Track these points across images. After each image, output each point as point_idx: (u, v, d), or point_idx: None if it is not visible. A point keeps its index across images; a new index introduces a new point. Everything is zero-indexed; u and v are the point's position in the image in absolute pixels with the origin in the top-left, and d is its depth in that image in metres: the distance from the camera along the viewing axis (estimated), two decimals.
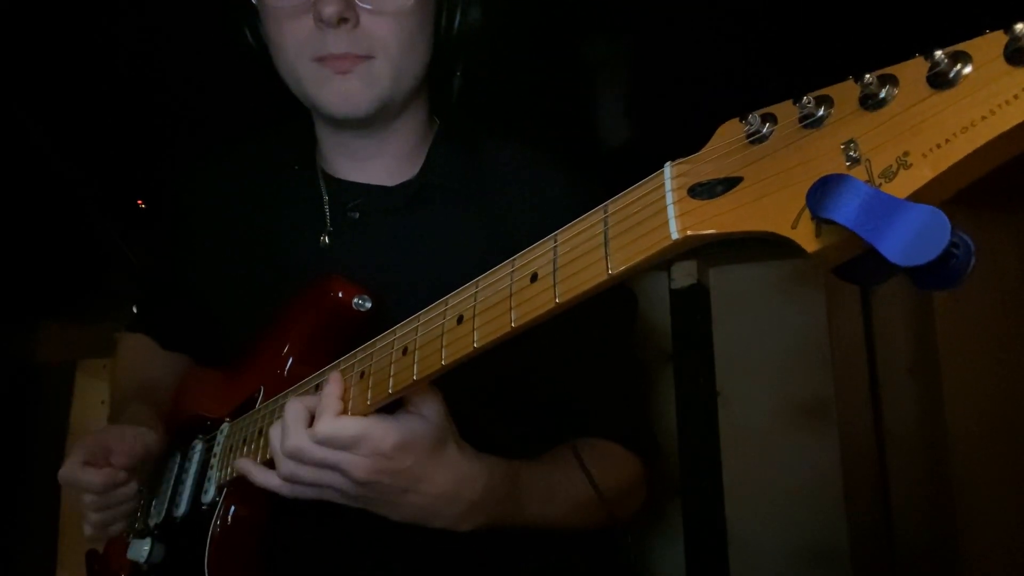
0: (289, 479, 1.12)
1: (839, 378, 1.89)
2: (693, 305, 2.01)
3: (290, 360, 1.37)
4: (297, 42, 1.33)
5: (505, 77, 1.85)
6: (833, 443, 1.85)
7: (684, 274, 2.02)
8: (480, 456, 1.17)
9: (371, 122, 1.41)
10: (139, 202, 2.22)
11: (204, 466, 1.40)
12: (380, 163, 1.48)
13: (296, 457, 1.09)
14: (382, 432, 1.05)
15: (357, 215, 1.46)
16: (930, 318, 1.82)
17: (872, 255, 0.56)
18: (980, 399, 1.76)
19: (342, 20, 1.28)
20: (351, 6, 1.29)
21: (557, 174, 1.50)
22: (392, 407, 1.09)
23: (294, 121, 1.55)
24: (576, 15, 1.79)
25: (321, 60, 1.32)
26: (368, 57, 1.32)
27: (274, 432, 1.12)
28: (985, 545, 1.68)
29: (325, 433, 1.05)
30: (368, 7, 1.30)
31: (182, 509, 1.39)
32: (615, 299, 1.47)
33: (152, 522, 1.45)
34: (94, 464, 1.34)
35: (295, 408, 1.10)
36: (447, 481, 1.12)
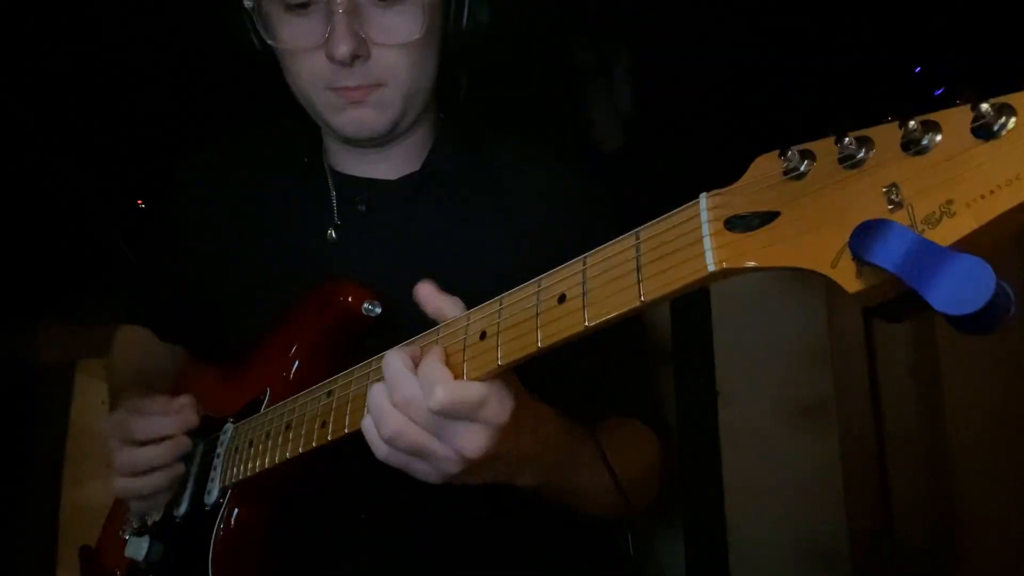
0: (391, 440, 0.99)
1: (839, 378, 1.90)
2: (693, 305, 2.02)
3: (296, 363, 1.37)
4: (311, 72, 1.34)
5: (513, 75, 1.85)
6: (833, 443, 1.86)
7: None
8: (541, 402, 1.10)
9: (383, 139, 1.43)
10: (139, 202, 2.21)
11: (206, 466, 1.39)
12: (388, 160, 1.49)
13: (408, 411, 0.97)
14: (500, 397, 0.96)
15: (364, 208, 1.47)
16: (930, 318, 1.83)
17: (909, 296, 0.56)
18: (980, 399, 1.78)
19: (355, 58, 1.29)
20: (362, 43, 1.29)
21: (562, 167, 1.51)
22: None
23: (300, 116, 1.55)
24: (585, 15, 1.79)
25: (335, 90, 1.34)
26: (379, 85, 1.34)
27: (377, 390, 1.00)
28: (985, 545, 1.70)
29: (449, 398, 0.93)
30: (378, 41, 1.31)
31: (183, 508, 1.39)
32: None
33: (150, 520, 1.44)
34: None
35: (400, 359, 0.99)
36: (529, 434, 1.04)
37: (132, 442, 1.35)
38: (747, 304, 2.00)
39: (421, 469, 1.02)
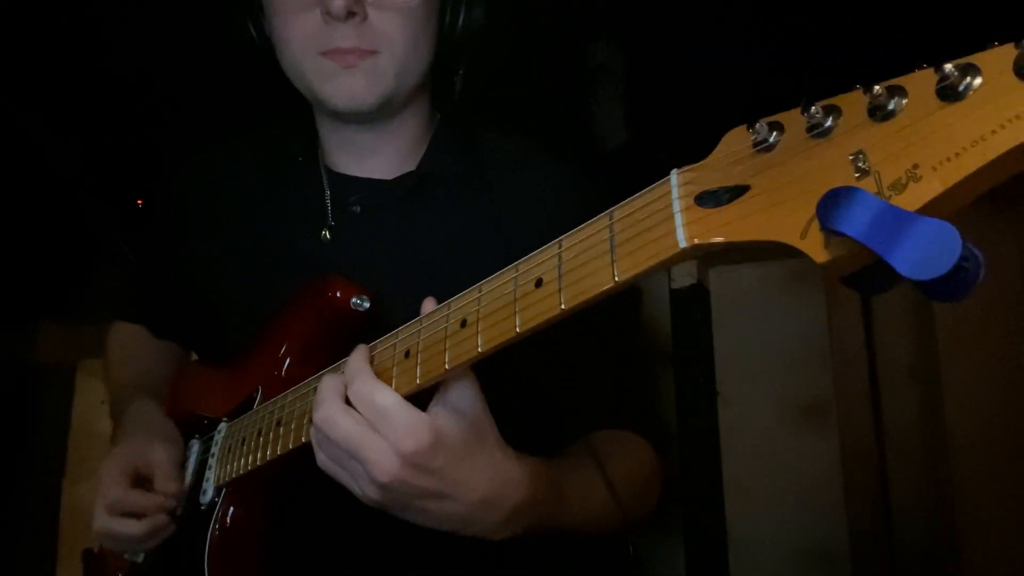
0: (317, 446, 1.05)
1: (839, 378, 1.89)
2: (693, 305, 2.01)
3: (288, 360, 1.37)
4: (303, 36, 1.33)
5: (509, 74, 1.84)
6: (833, 443, 1.85)
7: (684, 274, 2.01)
8: (522, 458, 1.08)
9: (374, 117, 1.41)
10: (139, 202, 2.21)
11: (201, 466, 1.39)
12: (382, 157, 1.48)
13: (324, 426, 1.01)
14: (407, 425, 0.96)
15: (358, 209, 1.46)
16: (930, 318, 1.83)
17: (881, 266, 0.56)
18: (980, 399, 1.77)
19: (350, 14, 1.28)
20: (359, 2, 1.28)
21: (558, 166, 1.50)
22: (424, 400, 1.02)
23: (295, 115, 1.55)
24: (580, 15, 1.79)
25: (327, 54, 1.32)
26: (373, 52, 1.32)
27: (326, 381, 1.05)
28: (985, 545, 1.69)
29: (358, 389, 0.99)
30: (375, 1, 1.30)
31: (179, 509, 1.39)
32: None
33: None
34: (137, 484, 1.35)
35: (332, 382, 1.03)
36: (486, 486, 1.03)
37: (113, 507, 1.35)
38: (747, 304, 2.00)
39: (347, 481, 1.05)
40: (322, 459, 1.06)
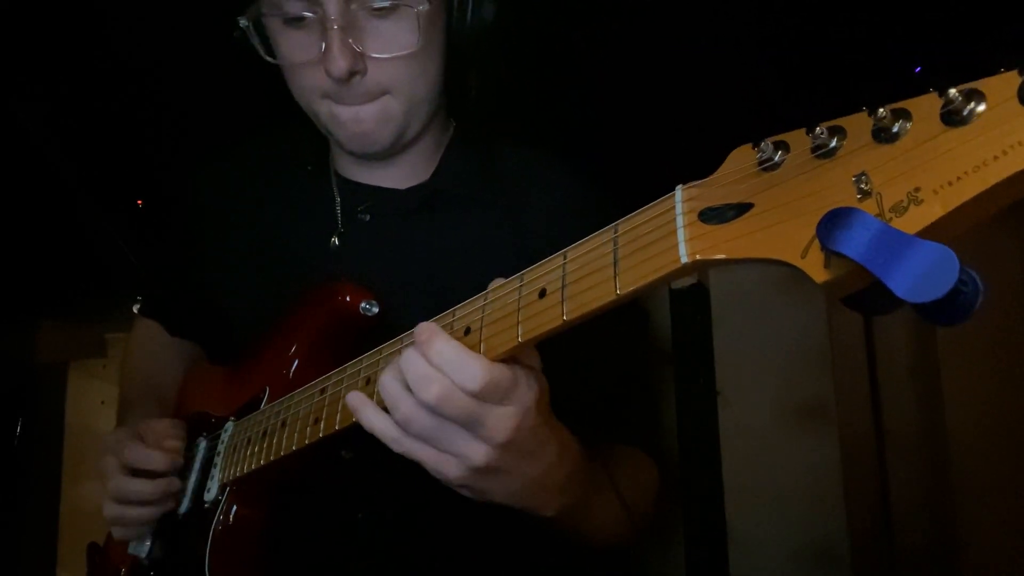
0: (404, 423, 0.94)
1: (839, 378, 1.89)
2: (693, 305, 2.01)
3: (295, 362, 1.37)
4: (311, 86, 1.32)
5: (522, 82, 1.84)
6: (833, 443, 1.85)
7: None
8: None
9: (389, 153, 1.41)
10: (139, 202, 2.21)
11: (208, 464, 1.40)
12: (394, 168, 1.47)
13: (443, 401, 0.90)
14: (528, 380, 0.92)
15: (368, 217, 1.45)
16: None
17: (880, 287, 0.56)
18: (980, 399, 1.77)
19: (353, 74, 1.27)
20: (359, 58, 1.26)
21: (572, 179, 1.49)
22: None
23: (306, 120, 1.54)
24: (591, 24, 1.78)
25: (336, 102, 1.32)
26: (382, 93, 1.31)
27: (388, 377, 0.95)
28: (985, 545, 1.70)
29: (485, 379, 0.88)
30: (375, 55, 1.28)
31: (184, 506, 1.40)
32: (630, 311, 1.43)
33: None
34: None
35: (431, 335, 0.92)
36: (556, 448, 1.01)
37: (125, 468, 1.36)
38: (747, 304, 2.00)
39: (441, 460, 0.96)
40: (407, 444, 0.97)
